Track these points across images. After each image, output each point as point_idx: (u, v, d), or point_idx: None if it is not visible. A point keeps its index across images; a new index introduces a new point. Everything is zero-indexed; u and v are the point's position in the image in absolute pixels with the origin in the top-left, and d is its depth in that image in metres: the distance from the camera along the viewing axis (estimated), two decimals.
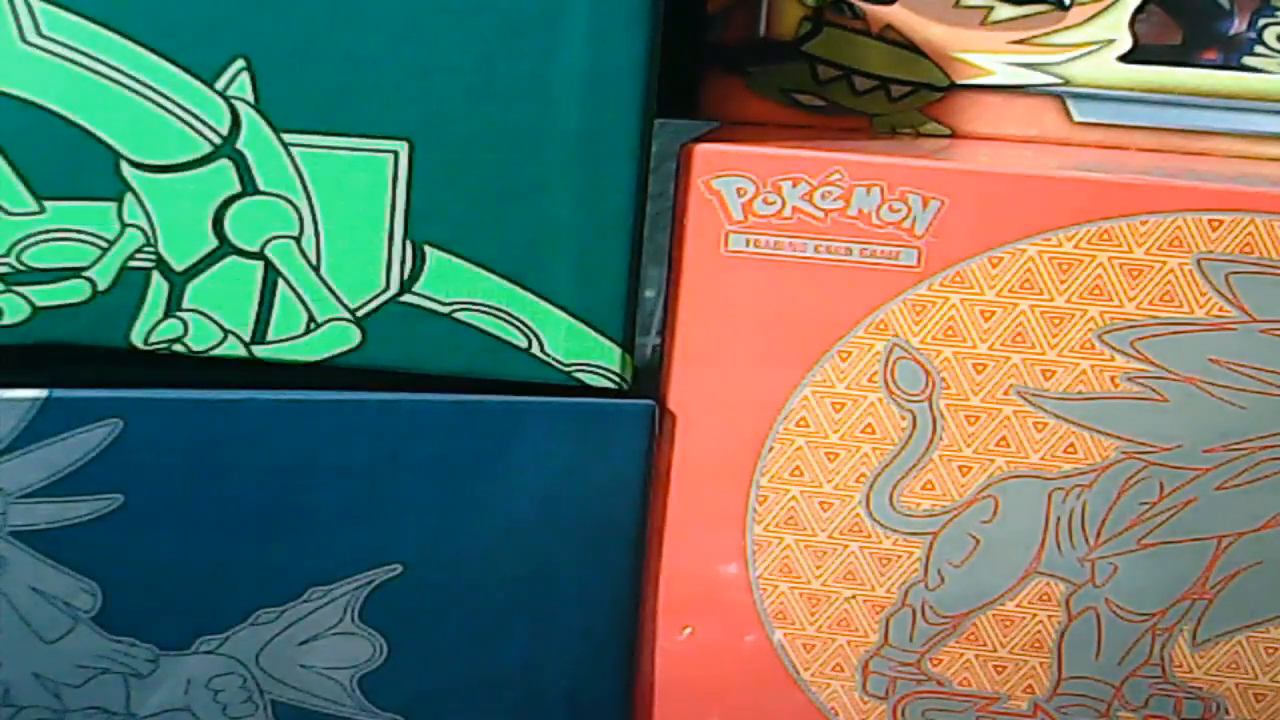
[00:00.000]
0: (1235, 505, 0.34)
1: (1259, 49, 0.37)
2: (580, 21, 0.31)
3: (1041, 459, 0.35)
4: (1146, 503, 0.35)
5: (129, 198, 0.33)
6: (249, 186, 0.33)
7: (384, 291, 0.33)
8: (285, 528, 0.35)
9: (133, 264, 0.33)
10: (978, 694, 0.37)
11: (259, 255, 0.33)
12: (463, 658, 0.37)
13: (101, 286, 0.33)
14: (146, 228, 0.33)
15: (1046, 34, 0.37)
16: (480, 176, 0.33)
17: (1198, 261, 0.33)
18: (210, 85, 0.32)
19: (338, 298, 0.33)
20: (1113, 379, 0.34)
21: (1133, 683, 0.37)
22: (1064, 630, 0.36)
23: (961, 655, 0.37)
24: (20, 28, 0.31)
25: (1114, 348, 0.33)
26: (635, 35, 0.32)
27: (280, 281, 0.33)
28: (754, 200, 0.33)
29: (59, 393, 0.33)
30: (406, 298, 0.34)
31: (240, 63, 0.32)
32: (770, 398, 0.35)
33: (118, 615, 0.35)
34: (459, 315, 0.34)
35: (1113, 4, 0.37)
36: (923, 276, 0.34)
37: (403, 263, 0.33)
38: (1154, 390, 0.34)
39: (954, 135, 0.39)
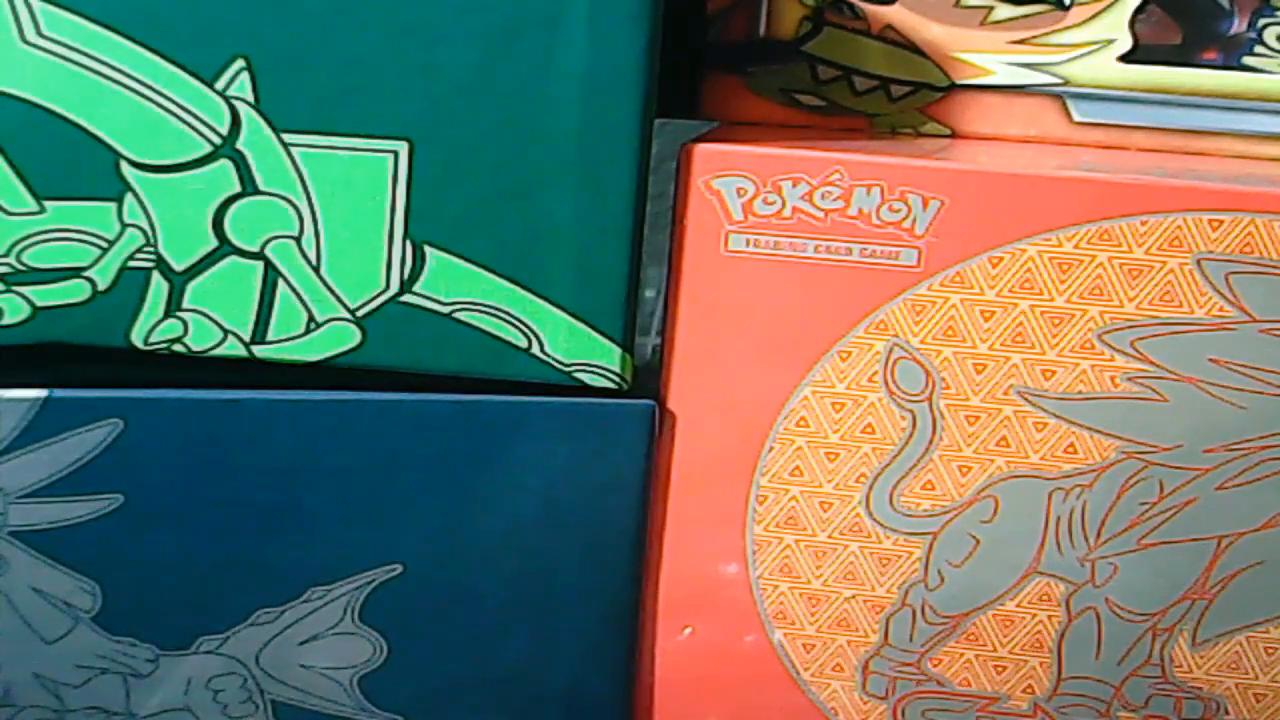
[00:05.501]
0: (1235, 505, 0.35)
1: (1259, 49, 0.37)
2: (580, 21, 0.31)
3: (1041, 459, 0.35)
4: (1146, 503, 0.35)
5: (129, 198, 0.33)
6: (249, 186, 0.33)
7: (384, 291, 0.33)
8: (285, 528, 0.35)
9: (133, 264, 0.33)
10: (978, 694, 0.37)
11: (259, 255, 0.33)
12: (463, 658, 0.37)
13: (101, 286, 0.33)
14: (146, 228, 0.33)
15: (1046, 34, 0.37)
16: (480, 176, 0.33)
17: (1198, 261, 0.33)
18: (210, 85, 0.32)
19: (338, 298, 0.33)
20: (1113, 379, 0.34)
21: (1133, 683, 0.37)
22: (1064, 630, 0.36)
23: (961, 655, 0.37)
24: (20, 28, 0.31)
25: (1114, 348, 0.34)
26: (635, 35, 0.32)
27: (280, 281, 0.33)
28: (754, 200, 0.33)
29: (59, 393, 0.33)
30: (406, 298, 0.34)
31: (240, 63, 0.32)
32: (770, 398, 0.35)
33: (118, 615, 0.35)
34: (459, 315, 0.34)
35: (1113, 4, 0.37)
36: (923, 276, 0.34)
37: (403, 263, 0.33)
38: (1154, 390, 0.34)
39: (954, 135, 0.39)
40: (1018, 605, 0.36)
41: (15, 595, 0.35)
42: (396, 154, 0.32)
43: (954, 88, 0.38)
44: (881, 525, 0.36)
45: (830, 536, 0.36)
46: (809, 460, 0.35)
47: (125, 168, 0.32)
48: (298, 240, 0.33)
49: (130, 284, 0.33)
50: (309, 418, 0.34)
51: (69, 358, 0.34)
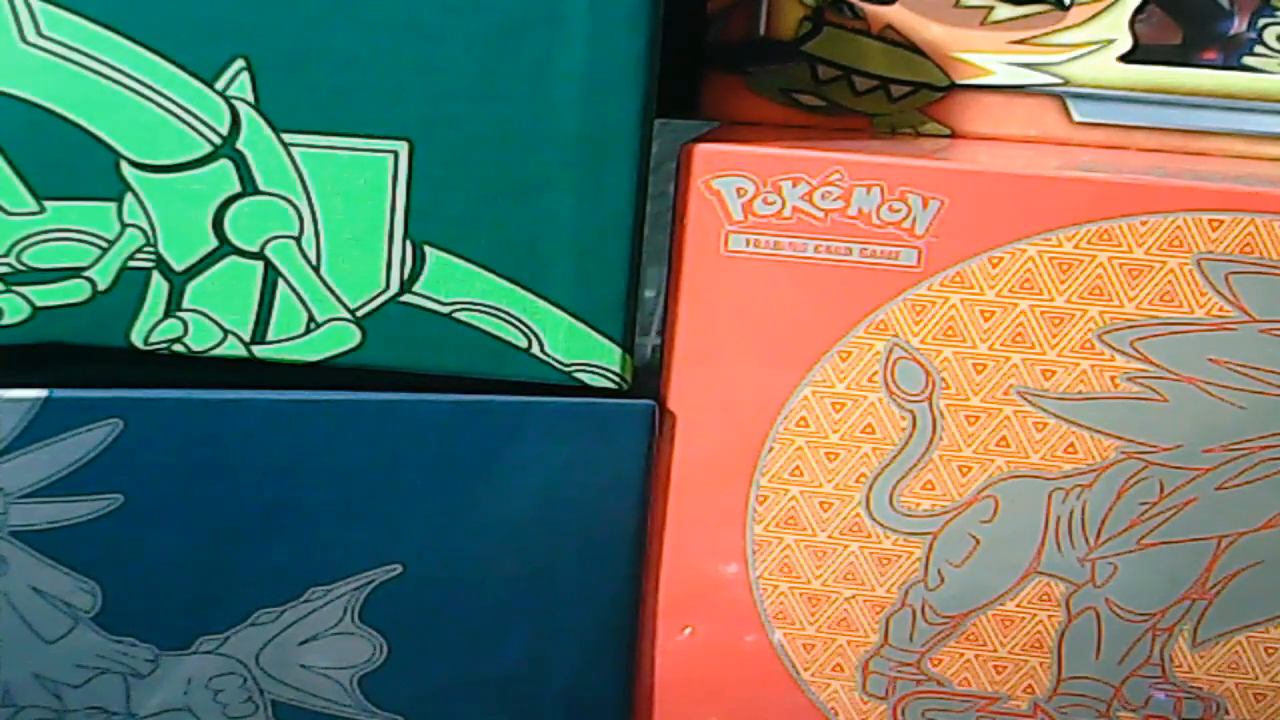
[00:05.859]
0: (1235, 505, 0.35)
1: (1259, 49, 0.37)
2: (580, 21, 0.31)
3: (1041, 459, 0.35)
4: (1146, 503, 0.35)
5: (129, 198, 0.33)
6: (249, 186, 0.33)
7: (384, 291, 0.33)
8: (285, 528, 0.35)
9: (133, 264, 0.33)
10: (978, 694, 0.37)
11: (259, 255, 0.33)
12: (463, 658, 0.37)
13: (101, 286, 0.33)
14: (146, 228, 0.33)
15: (1046, 34, 0.37)
16: (480, 176, 0.33)
17: (1198, 261, 0.33)
18: (210, 85, 0.32)
19: (338, 298, 0.33)
20: (1113, 379, 0.34)
21: (1133, 683, 0.37)
22: (1064, 630, 0.36)
23: (961, 655, 0.37)
24: (20, 28, 0.31)
25: (1114, 348, 0.34)
26: (635, 35, 0.32)
27: (280, 281, 0.33)
28: (754, 200, 0.33)
29: (59, 393, 0.33)
30: (406, 298, 0.34)
31: (240, 63, 0.32)
32: (770, 398, 0.35)
33: (118, 615, 0.35)
34: (459, 315, 0.34)
35: (1113, 4, 0.37)
36: (923, 276, 0.34)
37: (403, 263, 0.33)
38: (1154, 390, 0.34)
39: (954, 135, 0.39)
40: (1018, 605, 0.36)
41: (15, 595, 0.35)
42: (396, 154, 0.32)
43: (954, 88, 0.38)
44: (881, 525, 0.36)
45: (830, 536, 0.36)
46: (809, 460, 0.35)
47: (125, 168, 0.32)
48: (298, 240, 0.33)
49: (130, 284, 0.33)
50: (309, 418, 0.34)
51: (69, 358, 0.34)
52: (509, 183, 0.33)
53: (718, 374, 0.35)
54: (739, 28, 0.38)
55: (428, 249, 0.33)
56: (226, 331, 0.34)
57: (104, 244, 0.33)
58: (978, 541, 0.36)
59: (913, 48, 0.38)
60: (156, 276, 0.33)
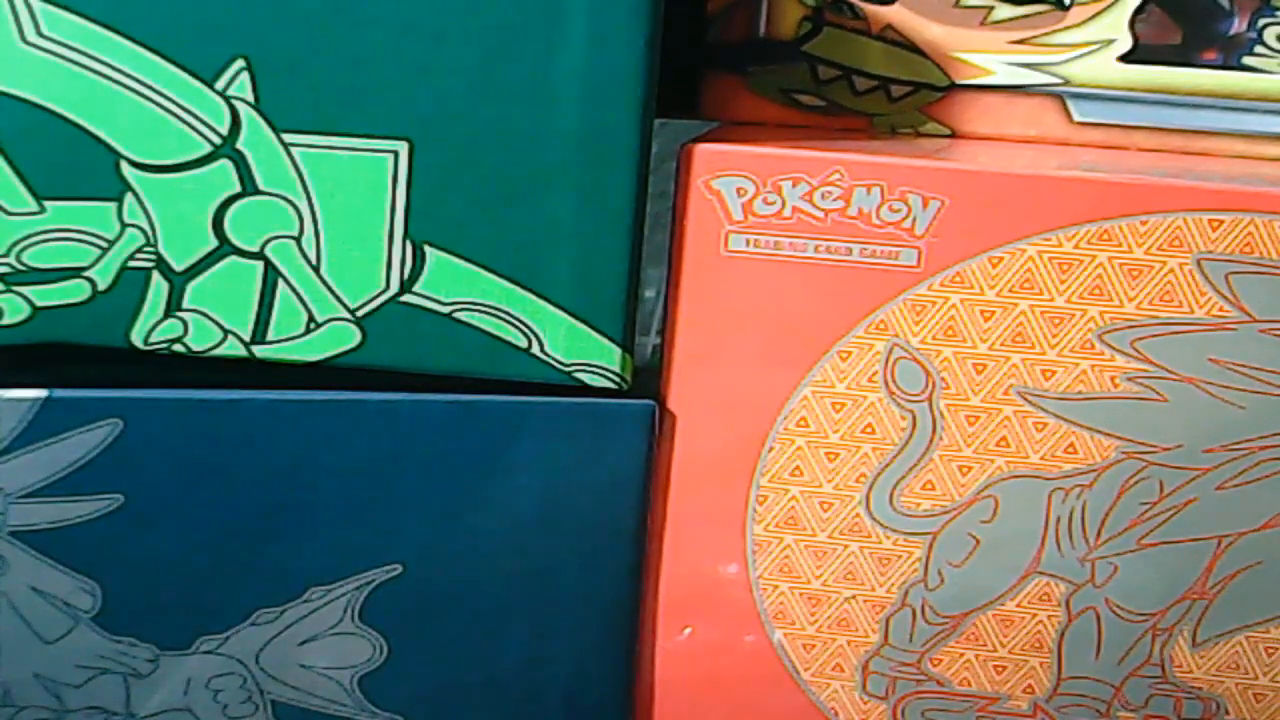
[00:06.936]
0: (1235, 505, 0.35)
1: (1259, 49, 0.37)
2: (580, 21, 0.31)
3: (1041, 459, 0.35)
4: (1147, 503, 0.35)
5: (129, 198, 0.33)
6: (249, 186, 0.33)
7: (384, 291, 0.33)
8: (285, 528, 0.35)
9: (133, 264, 0.33)
10: (978, 694, 0.37)
11: (259, 255, 0.33)
12: (463, 658, 0.37)
13: (101, 286, 0.33)
14: (146, 228, 0.33)
15: (1046, 34, 0.37)
16: (480, 176, 0.33)
17: (1198, 261, 0.33)
18: (210, 85, 0.32)
19: (338, 298, 0.33)
20: (1113, 379, 0.34)
21: (1133, 683, 0.37)
22: (1064, 630, 0.36)
23: (961, 655, 0.37)
24: (20, 28, 0.31)
25: (1114, 348, 0.34)
26: (635, 35, 0.32)
27: (280, 281, 0.33)
28: (754, 200, 0.33)
29: (59, 393, 0.33)
30: (406, 298, 0.34)
31: (240, 63, 0.32)
32: (770, 398, 0.35)
33: (118, 615, 0.35)
34: (459, 315, 0.34)
35: (1113, 4, 0.37)
36: (923, 276, 0.34)
37: (403, 263, 0.33)
38: (1154, 390, 0.34)
39: (954, 135, 0.39)
40: (1018, 605, 0.36)
41: (15, 595, 0.35)
42: (396, 154, 0.32)
43: (954, 88, 0.38)
44: (881, 525, 0.36)
45: (830, 536, 0.36)
46: (809, 460, 0.35)
47: (125, 168, 0.32)
48: (298, 240, 0.33)
49: (130, 284, 0.33)
50: (309, 418, 0.34)
51: (69, 358, 0.34)
52: (509, 183, 0.33)
53: (718, 374, 0.35)
54: (739, 28, 0.38)
55: (428, 249, 0.33)
56: (226, 331, 0.34)
57: (104, 244, 0.33)
58: (978, 541, 0.36)
59: (913, 48, 0.38)
60: (156, 276, 0.33)
